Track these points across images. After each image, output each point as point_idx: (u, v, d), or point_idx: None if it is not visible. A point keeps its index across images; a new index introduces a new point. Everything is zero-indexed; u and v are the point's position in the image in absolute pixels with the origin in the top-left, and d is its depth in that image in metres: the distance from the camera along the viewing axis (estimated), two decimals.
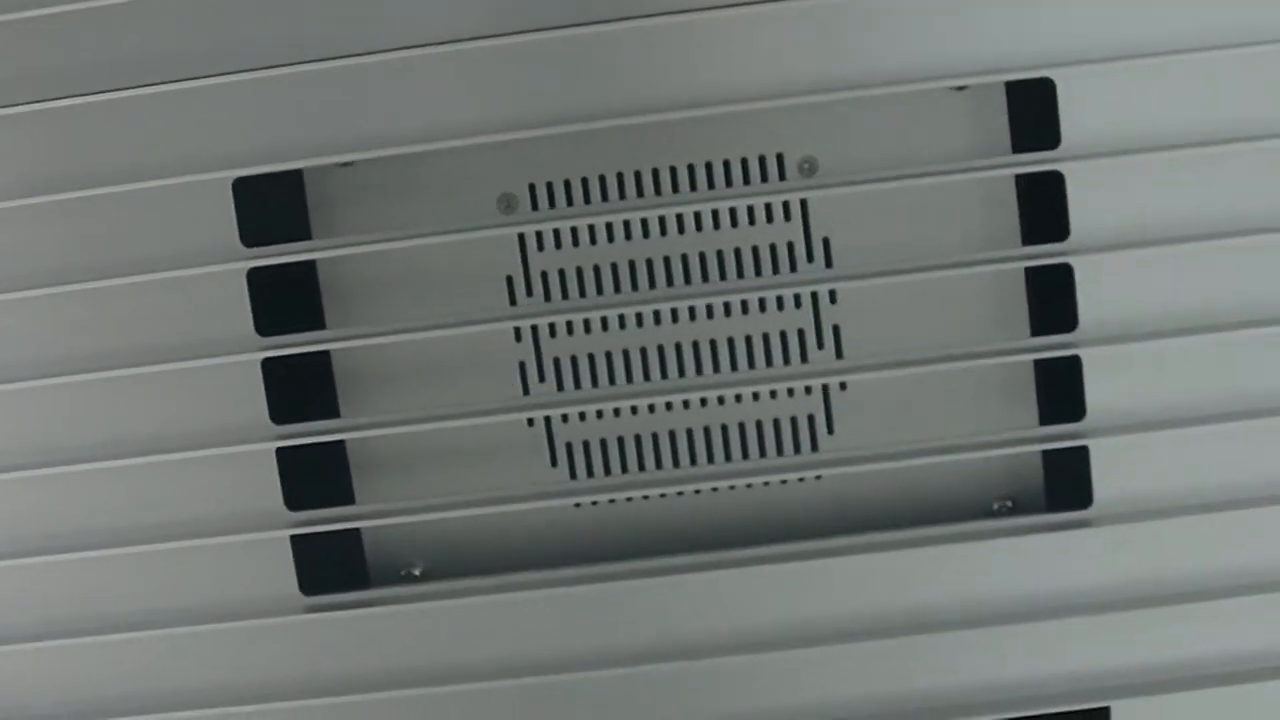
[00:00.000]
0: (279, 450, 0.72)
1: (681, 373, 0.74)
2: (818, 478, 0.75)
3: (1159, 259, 0.70)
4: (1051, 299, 0.72)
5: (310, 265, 0.74)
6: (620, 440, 0.75)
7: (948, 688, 0.72)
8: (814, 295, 0.74)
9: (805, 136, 0.73)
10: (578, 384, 0.75)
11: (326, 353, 0.75)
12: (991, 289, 0.74)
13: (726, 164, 0.73)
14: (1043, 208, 0.71)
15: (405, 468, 0.76)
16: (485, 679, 0.73)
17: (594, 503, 0.76)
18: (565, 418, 0.75)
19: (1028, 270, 0.73)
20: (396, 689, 0.73)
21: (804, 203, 0.73)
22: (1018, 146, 0.73)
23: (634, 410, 0.75)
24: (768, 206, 0.73)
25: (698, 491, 0.75)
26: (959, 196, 0.73)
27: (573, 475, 0.76)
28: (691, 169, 0.73)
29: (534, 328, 0.74)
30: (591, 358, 0.75)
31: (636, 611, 0.73)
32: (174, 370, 0.71)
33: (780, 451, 0.75)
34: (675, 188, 0.73)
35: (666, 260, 0.74)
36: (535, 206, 0.74)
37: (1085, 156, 0.69)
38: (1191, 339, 0.70)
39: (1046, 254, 0.70)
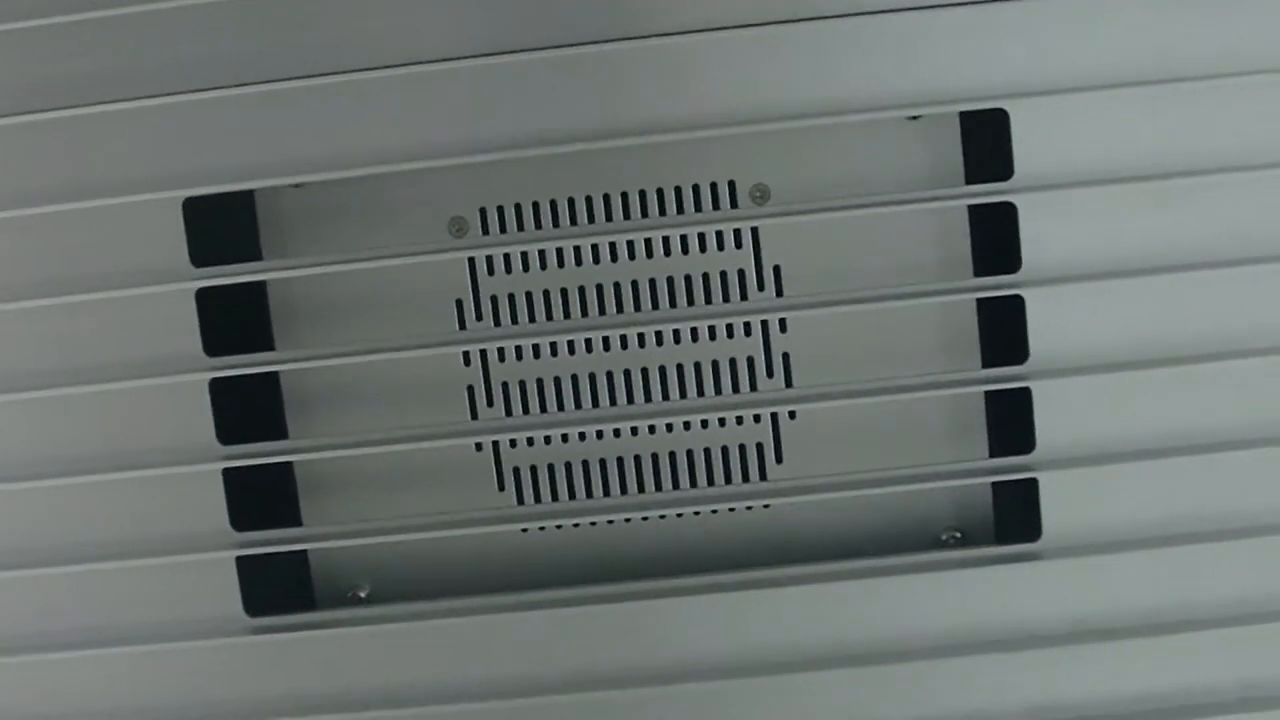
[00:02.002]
0: (226, 471, 0.72)
1: (630, 399, 0.74)
2: (766, 506, 0.75)
3: (1110, 292, 0.69)
4: (1003, 330, 0.72)
5: (260, 286, 0.74)
6: (568, 466, 0.75)
7: None
8: (764, 323, 0.74)
9: (758, 163, 0.73)
10: (526, 409, 0.75)
11: (275, 374, 0.75)
12: (943, 319, 0.74)
13: (678, 190, 0.73)
14: (995, 238, 0.71)
15: (353, 489, 0.76)
16: (430, 703, 0.73)
17: (541, 528, 0.75)
18: (513, 442, 0.75)
19: (979, 301, 0.73)
20: (341, 712, 0.73)
21: (755, 230, 0.73)
22: (971, 176, 0.73)
23: (582, 436, 0.75)
24: (719, 233, 0.73)
25: (645, 518, 0.75)
26: (911, 225, 0.73)
27: (520, 500, 0.76)
28: (643, 194, 0.73)
29: (483, 352, 0.74)
30: (540, 383, 0.75)
31: (581, 637, 0.72)
32: (121, 389, 0.71)
33: (729, 479, 0.75)
34: (627, 213, 0.73)
35: (617, 286, 0.74)
36: (486, 230, 0.74)
37: (1037, 188, 0.69)
38: (1142, 373, 0.69)
39: (998, 285, 0.70)
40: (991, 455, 0.74)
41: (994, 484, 0.74)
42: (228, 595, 0.73)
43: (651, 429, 0.75)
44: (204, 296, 0.71)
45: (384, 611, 0.74)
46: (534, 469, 0.75)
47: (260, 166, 0.70)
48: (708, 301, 0.74)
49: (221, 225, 0.73)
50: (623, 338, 0.74)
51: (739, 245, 0.73)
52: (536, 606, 0.72)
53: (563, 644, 0.72)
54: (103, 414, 0.72)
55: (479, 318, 0.74)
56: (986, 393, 0.73)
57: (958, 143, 0.73)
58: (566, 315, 0.74)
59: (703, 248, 0.73)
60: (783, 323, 0.74)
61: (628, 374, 0.74)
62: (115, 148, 0.70)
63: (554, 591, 0.73)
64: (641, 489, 0.75)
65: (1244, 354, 0.69)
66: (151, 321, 0.71)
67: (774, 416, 0.74)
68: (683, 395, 0.74)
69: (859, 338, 0.73)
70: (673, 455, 0.75)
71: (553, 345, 0.74)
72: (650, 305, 0.74)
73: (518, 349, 0.74)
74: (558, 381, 0.74)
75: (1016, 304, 0.69)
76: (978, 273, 0.73)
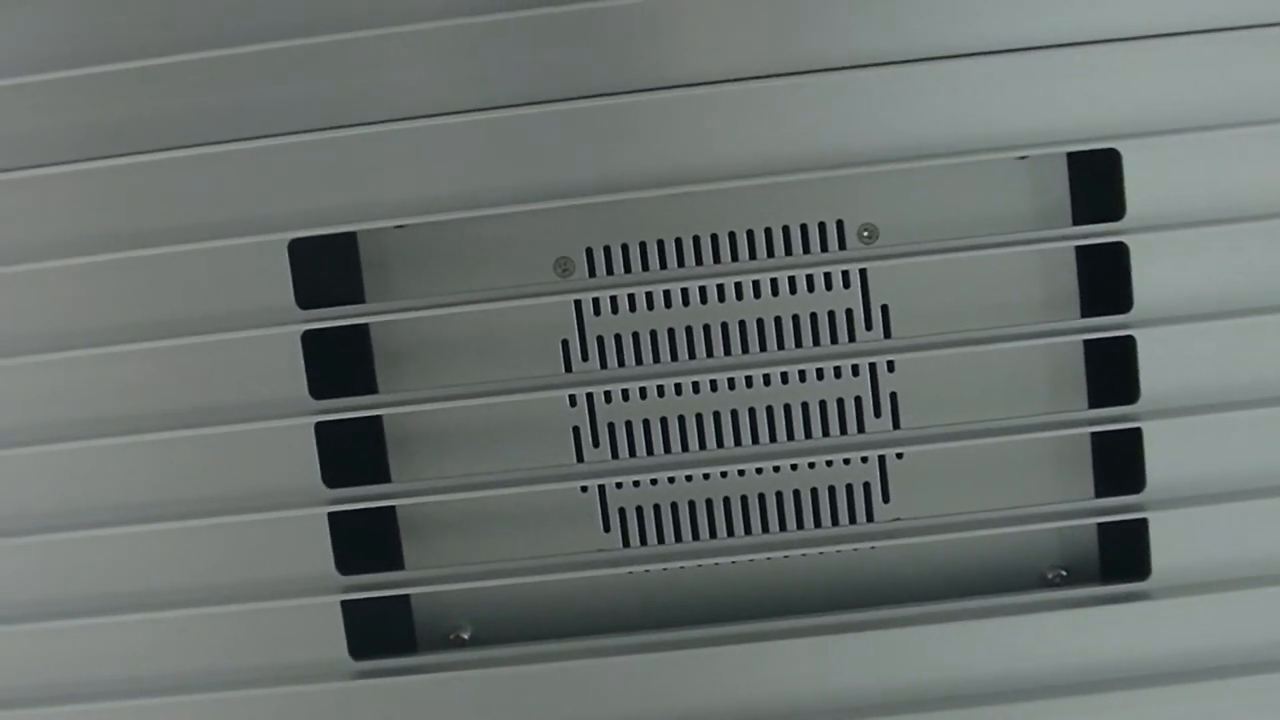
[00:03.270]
0: (330, 514, 0.71)
1: (737, 440, 0.74)
2: (872, 547, 0.74)
3: (1223, 331, 0.69)
4: (1112, 369, 0.71)
5: (363, 328, 0.74)
6: (674, 506, 0.75)
7: None
8: (872, 364, 0.73)
9: (866, 203, 0.73)
10: (632, 450, 0.74)
11: (379, 416, 0.74)
12: (1050, 357, 0.73)
13: (786, 230, 0.73)
14: (1104, 278, 0.71)
15: (455, 531, 0.75)
16: None
17: (646, 570, 0.75)
18: (619, 483, 0.74)
19: (1087, 341, 0.73)
20: None
21: (863, 271, 0.73)
22: (1079, 215, 0.72)
23: (689, 478, 0.74)
24: (826, 274, 0.73)
25: (751, 560, 0.75)
26: (1019, 264, 0.73)
27: (625, 542, 0.75)
28: (751, 234, 0.73)
29: (589, 393, 0.74)
30: (646, 424, 0.74)
31: (686, 680, 0.72)
32: (228, 432, 0.70)
33: (835, 520, 0.75)
34: (734, 254, 0.73)
35: (724, 326, 0.73)
36: (592, 271, 0.73)
37: (1150, 229, 0.69)
38: (1254, 411, 0.69)
39: (1110, 326, 0.69)
40: (1097, 492, 0.74)
41: (1100, 523, 0.73)
42: (333, 639, 0.72)
43: (759, 470, 0.74)
44: (310, 339, 0.70)
45: (487, 655, 0.73)
46: (640, 510, 0.75)
47: (364, 208, 0.69)
48: (815, 342, 0.73)
49: (326, 267, 0.72)
50: (730, 379, 0.73)
51: (846, 285, 0.73)
52: (639, 650, 0.72)
53: (667, 686, 0.72)
54: (209, 457, 0.71)
55: (585, 358, 0.74)
56: (1094, 431, 0.73)
57: (1064, 181, 0.73)
58: (674, 356, 0.73)
59: (810, 288, 0.73)
60: (890, 363, 0.74)
61: (735, 415, 0.74)
62: (221, 189, 0.70)
63: (657, 634, 0.72)
64: (748, 530, 0.75)
65: None
66: (259, 364, 0.70)
67: (881, 457, 0.74)
68: (790, 436, 0.74)
69: (967, 376, 0.73)
70: (779, 495, 0.75)
71: (659, 387, 0.74)
72: (758, 346, 0.73)
73: (624, 390, 0.74)
74: (664, 422, 0.74)
75: (1127, 344, 0.69)
76: (1085, 312, 0.73)
